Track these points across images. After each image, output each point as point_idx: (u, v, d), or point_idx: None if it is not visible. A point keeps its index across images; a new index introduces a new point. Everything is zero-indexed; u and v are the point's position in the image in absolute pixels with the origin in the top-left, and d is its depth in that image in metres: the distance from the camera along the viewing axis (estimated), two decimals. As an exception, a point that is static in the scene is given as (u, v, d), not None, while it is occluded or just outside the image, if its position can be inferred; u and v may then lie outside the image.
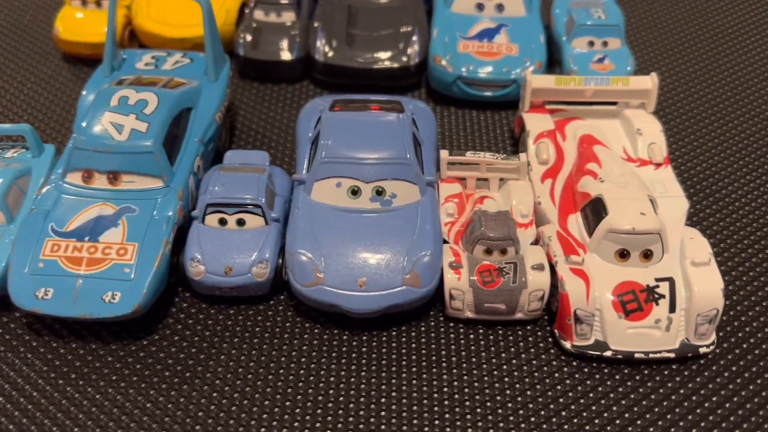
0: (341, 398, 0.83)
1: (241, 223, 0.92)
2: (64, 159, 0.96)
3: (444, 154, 1.00)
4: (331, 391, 0.83)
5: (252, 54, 1.22)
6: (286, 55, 1.22)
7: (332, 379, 0.85)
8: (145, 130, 0.94)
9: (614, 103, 1.12)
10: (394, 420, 0.81)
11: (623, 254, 0.89)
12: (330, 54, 1.20)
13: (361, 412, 0.82)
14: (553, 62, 1.26)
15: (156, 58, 1.13)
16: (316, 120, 1.02)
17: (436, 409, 0.82)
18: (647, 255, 0.89)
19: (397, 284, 0.86)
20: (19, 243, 0.88)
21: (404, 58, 1.20)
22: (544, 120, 1.09)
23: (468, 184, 1.01)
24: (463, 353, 0.87)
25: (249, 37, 1.22)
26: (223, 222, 0.92)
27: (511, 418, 0.82)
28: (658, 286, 0.88)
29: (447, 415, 0.82)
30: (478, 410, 0.82)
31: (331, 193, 0.92)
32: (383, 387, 0.84)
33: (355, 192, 0.92)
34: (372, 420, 0.81)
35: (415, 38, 1.21)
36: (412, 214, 0.92)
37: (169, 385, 0.84)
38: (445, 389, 0.84)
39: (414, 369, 0.86)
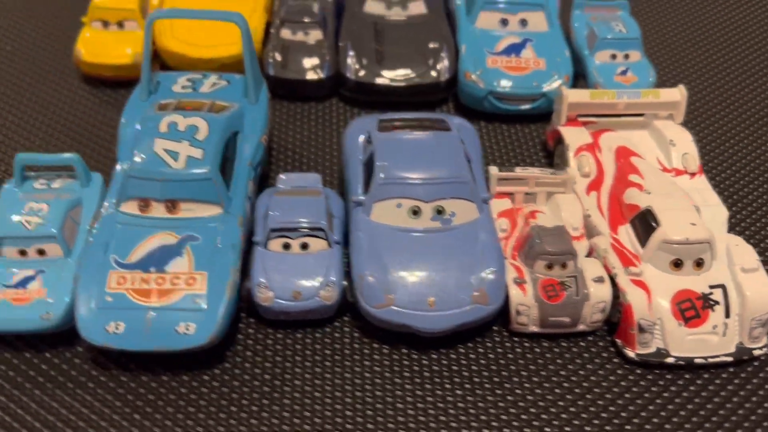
0: (421, 417, 0.84)
1: (304, 246, 0.92)
2: (116, 188, 0.94)
3: (494, 170, 1.02)
4: (410, 411, 0.84)
5: (282, 73, 1.22)
6: (316, 74, 1.22)
7: (409, 398, 0.85)
8: (201, 157, 0.93)
9: (640, 115, 1.18)
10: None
11: (677, 264, 0.92)
12: (361, 72, 1.21)
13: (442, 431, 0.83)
14: (576, 75, 1.28)
15: (192, 80, 1.11)
16: (365, 140, 1.03)
17: (515, 424, 0.84)
18: (699, 263, 0.93)
19: (466, 303, 0.88)
20: (83, 277, 0.86)
21: (434, 75, 1.21)
22: (582, 133, 1.12)
23: (516, 199, 1.04)
24: (531, 368, 0.89)
25: (278, 57, 1.22)
26: (286, 246, 0.92)
27: (587, 428, 0.84)
28: (712, 293, 0.91)
29: (526, 430, 0.83)
30: (555, 423, 0.84)
31: (392, 214, 0.93)
32: (459, 405, 0.85)
33: (415, 212, 0.93)
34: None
35: (444, 54, 1.22)
36: (472, 232, 0.93)
37: (247, 413, 0.83)
38: (520, 404, 0.85)
39: (487, 386, 0.87)
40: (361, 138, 1.03)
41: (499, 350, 0.91)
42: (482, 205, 0.96)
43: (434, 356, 0.90)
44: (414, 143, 0.98)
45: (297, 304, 0.89)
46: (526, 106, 1.21)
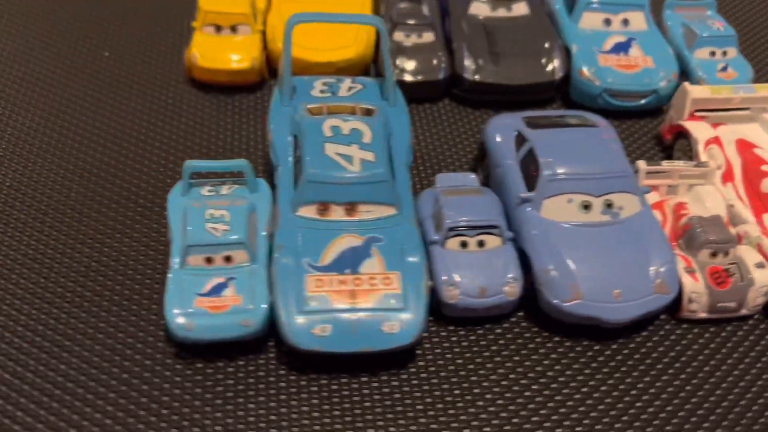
0: (619, 405, 0.85)
1: (481, 244, 0.93)
2: (290, 192, 0.93)
3: (642, 164, 1.05)
4: (608, 400, 0.86)
5: (399, 76, 1.22)
6: (436, 75, 1.23)
7: (601, 389, 0.87)
8: (374, 159, 0.93)
9: (745, 109, 1.22)
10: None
11: (825, 246, 0.98)
12: (479, 72, 1.22)
13: (636, 423, 0.84)
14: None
15: (328, 84, 1.10)
16: (514, 138, 1.04)
17: (699, 412, 0.86)
18: None
19: (649, 293, 0.91)
20: (280, 282, 0.85)
21: (549, 73, 1.24)
22: (705, 127, 1.15)
23: (660, 192, 1.08)
24: (706, 353, 0.92)
25: (396, 60, 1.23)
26: (464, 245, 0.93)
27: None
28: None
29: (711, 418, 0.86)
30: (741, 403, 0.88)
31: (563, 210, 0.95)
32: (645, 397, 0.87)
33: (586, 207, 0.95)
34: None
35: (556, 53, 1.25)
36: (640, 225, 0.96)
37: (440, 408, 0.83)
38: (704, 389, 0.88)
39: (670, 372, 0.89)
40: (510, 137, 1.06)
41: (672, 338, 0.94)
42: (643, 198, 1.00)
43: (614, 347, 0.92)
44: (571, 139, 1.01)
45: (483, 301, 0.90)
46: (638, 103, 1.25)
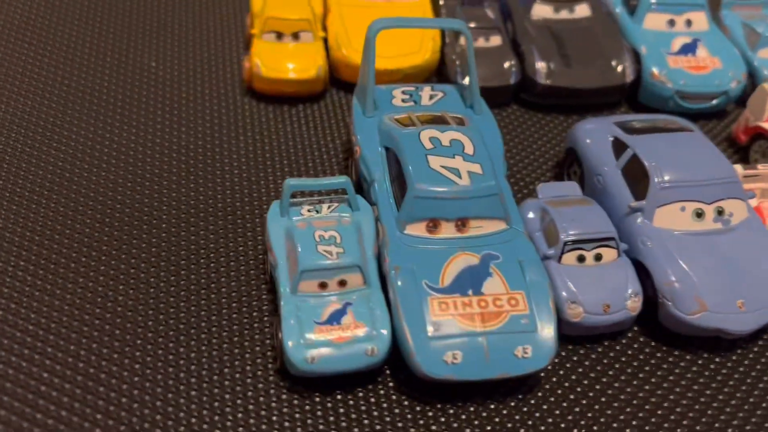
0: (753, 420, 0.82)
1: (598, 258, 0.89)
2: (392, 209, 0.88)
3: (739, 168, 1.02)
4: (740, 414, 0.83)
5: (472, 81, 1.19)
6: (507, 80, 1.19)
7: (732, 402, 0.84)
8: (482, 171, 0.89)
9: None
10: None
11: None
12: (551, 76, 1.19)
13: None
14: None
15: (407, 93, 1.06)
16: (611, 144, 1.00)
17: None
18: None
19: (769, 301, 0.89)
20: (405, 306, 0.80)
21: (621, 75, 1.20)
22: (786, 127, 1.15)
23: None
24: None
25: (466, 65, 1.19)
26: (581, 259, 0.89)
27: None
28: None
29: None
30: None
31: (677, 218, 0.92)
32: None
33: (699, 215, 0.92)
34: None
35: (625, 55, 1.22)
36: (751, 231, 0.93)
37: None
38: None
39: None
40: (605, 143, 1.02)
41: (785, 344, 0.93)
42: (749, 204, 0.97)
43: (734, 358, 0.90)
44: (673, 145, 0.98)
45: (607, 318, 0.86)
46: (708, 104, 1.23)
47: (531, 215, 0.95)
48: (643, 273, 0.91)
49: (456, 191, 0.86)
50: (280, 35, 1.16)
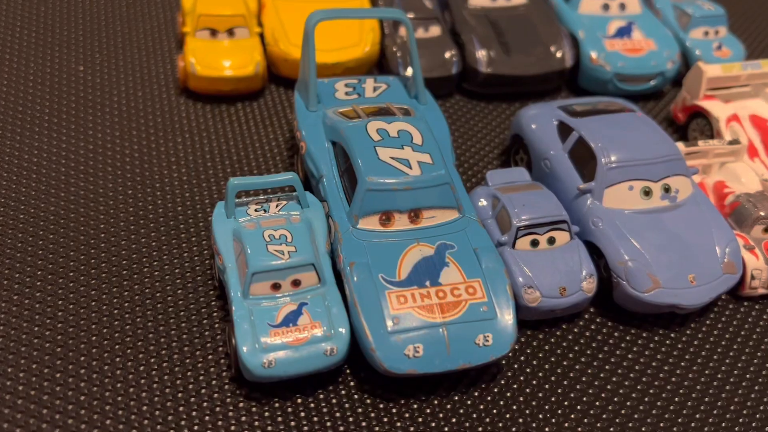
0: (711, 391, 0.84)
1: (551, 241, 0.89)
2: (343, 204, 0.86)
3: (681, 146, 1.04)
4: (699, 387, 0.83)
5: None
6: (449, 70, 1.18)
7: (691, 376, 0.85)
8: (432, 161, 0.87)
9: (745, 85, 1.25)
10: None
11: None
12: (492, 65, 1.18)
13: (734, 406, 0.82)
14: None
15: (351, 86, 1.03)
16: (556, 128, 1.00)
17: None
18: None
19: (719, 274, 0.89)
20: (361, 302, 0.77)
21: (560, 61, 1.21)
22: (721, 106, 1.16)
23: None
24: (773, 328, 0.94)
25: (407, 57, 1.17)
26: (534, 243, 0.89)
27: None
28: None
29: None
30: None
31: (625, 198, 0.92)
32: (737, 372, 0.86)
33: (647, 193, 0.93)
34: None
35: (564, 41, 1.23)
36: (697, 206, 0.95)
37: (555, 419, 0.79)
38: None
39: (748, 351, 0.88)
40: (550, 128, 1.02)
41: (739, 317, 0.93)
42: (693, 180, 0.99)
43: (689, 332, 0.90)
44: (617, 125, 0.98)
45: (563, 301, 0.86)
46: (646, 86, 1.25)
47: (482, 202, 0.94)
48: (595, 254, 0.92)
49: (407, 182, 0.84)
50: (214, 32, 1.12)
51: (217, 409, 0.77)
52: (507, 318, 0.80)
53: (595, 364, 0.86)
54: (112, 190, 1.00)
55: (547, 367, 0.85)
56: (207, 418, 0.76)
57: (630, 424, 0.80)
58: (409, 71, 1.15)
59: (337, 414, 0.78)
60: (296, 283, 0.78)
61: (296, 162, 1.04)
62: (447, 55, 1.19)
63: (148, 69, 1.20)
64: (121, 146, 1.06)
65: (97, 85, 1.16)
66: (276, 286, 0.78)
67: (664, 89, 1.30)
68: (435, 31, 1.21)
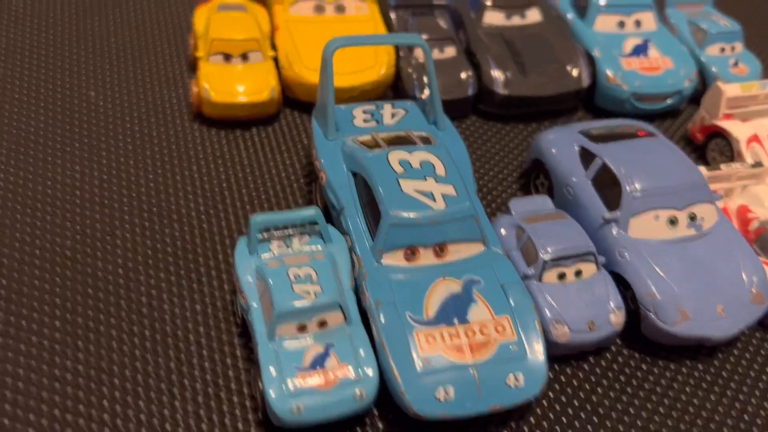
0: (742, 425, 0.83)
1: (578, 273, 0.88)
2: (366, 238, 0.84)
3: (704, 170, 1.03)
4: (729, 421, 0.82)
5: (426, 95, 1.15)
6: (465, 92, 1.16)
7: (720, 409, 0.83)
8: (456, 193, 0.86)
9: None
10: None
11: None
12: (509, 86, 1.17)
13: None
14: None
15: (369, 112, 1.02)
16: (578, 154, 0.99)
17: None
18: None
19: (748, 304, 0.88)
20: (391, 343, 0.76)
21: (578, 81, 1.20)
22: (741, 126, 1.15)
23: (718, 196, 1.06)
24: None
25: (423, 79, 1.15)
26: (561, 276, 0.87)
27: None
28: None
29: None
30: None
31: (651, 227, 0.91)
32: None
33: (672, 222, 0.92)
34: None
35: (580, 60, 1.21)
36: (723, 234, 0.93)
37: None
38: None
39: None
40: (572, 153, 1.01)
41: (767, 346, 0.94)
42: (718, 207, 0.97)
43: (717, 363, 0.89)
44: (641, 152, 0.97)
45: (592, 336, 0.84)
46: (663, 104, 1.23)
47: (506, 232, 0.92)
48: (621, 284, 0.90)
49: (432, 216, 0.83)
50: (228, 57, 1.10)
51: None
52: (538, 356, 0.78)
53: (624, 398, 0.85)
54: (128, 222, 0.98)
55: (576, 403, 0.84)
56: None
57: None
58: (426, 93, 1.16)
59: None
60: (322, 324, 0.77)
61: (314, 190, 1.02)
62: (463, 76, 1.17)
63: (160, 93, 1.19)
64: (136, 175, 1.05)
65: (108, 111, 1.15)
66: (302, 328, 0.76)
67: (681, 107, 1.29)
68: (450, 51, 1.20)
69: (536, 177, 1.07)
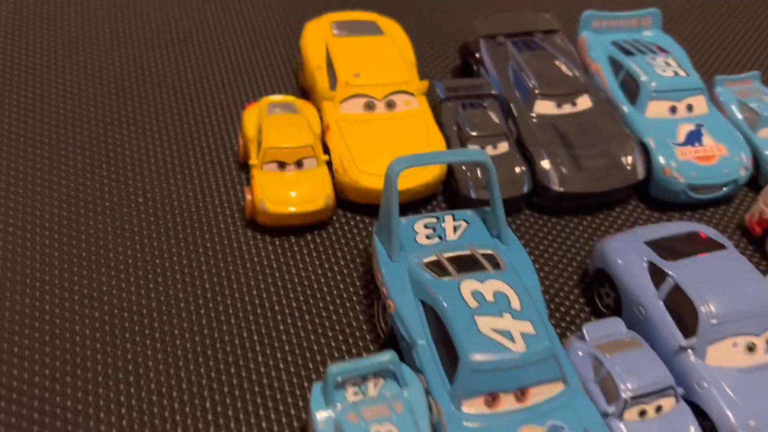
0: None
1: (658, 409, 0.86)
2: (441, 379, 0.82)
3: (774, 283, 1.01)
4: None
5: (485, 195, 1.11)
6: (520, 190, 1.14)
7: None
8: (534, 330, 0.83)
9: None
10: None
11: None
12: (565, 183, 1.14)
13: None
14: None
15: (430, 226, 0.99)
16: (647, 270, 0.96)
17: None
18: None
19: (835, 432, 0.87)
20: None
21: (634, 174, 1.17)
22: (803, 217, 1.14)
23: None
24: None
25: (477, 176, 1.13)
26: (642, 413, 0.85)
27: None
28: None
29: None
30: None
31: (729, 354, 0.88)
32: None
33: (750, 348, 0.89)
34: None
35: (635, 151, 1.18)
36: (801, 360, 0.92)
37: None
38: None
39: None
40: (639, 267, 0.98)
41: None
42: (791, 324, 0.96)
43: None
44: (714, 270, 0.94)
45: (684, 476, 0.83)
46: (718, 194, 1.21)
47: (580, 361, 0.89)
48: (699, 414, 0.88)
49: (513, 360, 0.81)
50: (282, 164, 1.07)
51: None
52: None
53: None
54: (191, 351, 0.95)
55: None
56: None
57: None
58: (480, 193, 1.13)
59: None
60: (415, 485, 0.76)
61: (377, 311, 0.98)
62: (517, 170, 1.14)
63: (211, 199, 1.15)
64: (184, 292, 1.01)
65: (159, 218, 1.11)
66: (384, 491, 0.75)
67: (735, 196, 1.27)
68: (503, 147, 1.17)
69: (600, 286, 1.05)
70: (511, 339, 0.83)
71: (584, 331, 0.94)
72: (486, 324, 0.84)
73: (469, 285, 0.88)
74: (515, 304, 0.86)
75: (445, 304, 0.85)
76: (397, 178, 0.94)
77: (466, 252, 0.95)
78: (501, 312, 0.85)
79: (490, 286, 0.88)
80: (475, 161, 0.98)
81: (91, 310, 0.99)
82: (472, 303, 0.86)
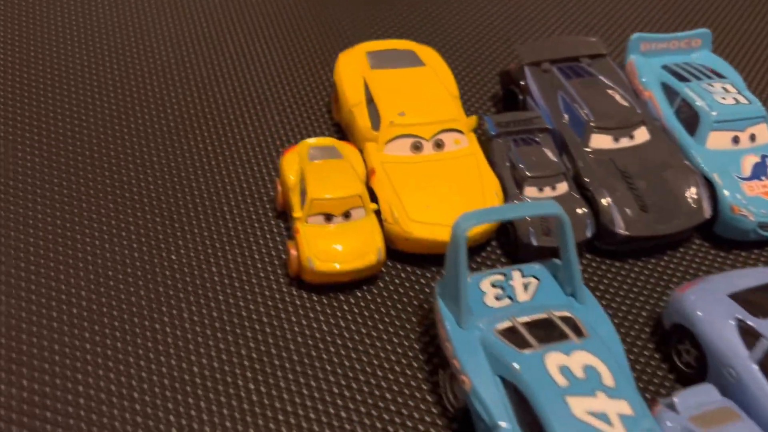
0: None
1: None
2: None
3: None
4: None
5: (547, 242, 1.03)
6: (584, 235, 1.05)
7: None
8: (632, 411, 0.75)
9: None
10: None
11: None
12: (631, 226, 1.06)
13: None
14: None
15: (498, 285, 0.91)
16: (736, 329, 0.88)
17: None
18: None
19: None
20: None
21: (699, 213, 1.09)
22: None
23: None
24: None
25: (538, 221, 1.03)
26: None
27: None
28: None
29: None
30: None
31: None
32: None
33: None
34: None
35: (700, 188, 1.10)
36: None
37: None
38: None
39: None
40: (730, 326, 0.90)
41: None
42: None
43: None
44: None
45: None
46: (788, 230, 1.16)
47: (669, 425, 0.80)
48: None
49: (609, 449, 0.74)
50: (328, 216, 0.99)
51: None
52: None
53: None
54: (228, 418, 0.87)
55: None
56: None
57: None
58: (542, 240, 1.04)
59: None
60: None
61: (444, 383, 0.89)
62: (579, 212, 1.05)
63: (249, 249, 1.06)
64: (227, 353, 0.92)
65: (195, 273, 1.02)
66: None
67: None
68: (562, 187, 1.08)
69: (679, 342, 0.97)
70: (609, 423, 0.74)
71: (675, 400, 0.86)
72: (580, 406, 0.75)
73: (554, 359, 0.79)
74: (607, 380, 0.78)
75: (531, 385, 0.77)
76: (465, 237, 0.86)
77: (543, 316, 0.87)
78: (593, 391, 0.77)
79: (578, 359, 0.80)
80: (548, 214, 0.90)
81: (128, 378, 0.90)
82: (562, 381, 0.77)
